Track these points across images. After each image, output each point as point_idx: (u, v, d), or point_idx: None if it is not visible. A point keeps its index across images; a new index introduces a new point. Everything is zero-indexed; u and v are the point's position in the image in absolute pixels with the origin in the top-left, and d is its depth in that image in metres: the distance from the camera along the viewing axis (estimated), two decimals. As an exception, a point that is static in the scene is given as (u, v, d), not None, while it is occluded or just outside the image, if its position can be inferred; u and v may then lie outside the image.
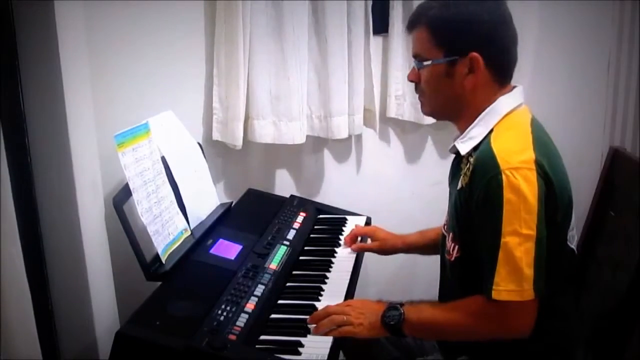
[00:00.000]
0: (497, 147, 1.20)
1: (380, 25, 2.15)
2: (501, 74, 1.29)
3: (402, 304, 1.28)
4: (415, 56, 1.34)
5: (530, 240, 1.15)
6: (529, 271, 1.15)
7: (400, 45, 2.13)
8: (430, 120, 2.18)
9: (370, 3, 2.07)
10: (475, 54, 1.25)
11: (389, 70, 2.17)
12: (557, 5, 2.25)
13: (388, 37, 2.15)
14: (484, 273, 1.19)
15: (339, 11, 1.99)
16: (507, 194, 1.14)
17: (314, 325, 1.30)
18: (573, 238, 1.31)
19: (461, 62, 1.26)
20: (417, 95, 1.40)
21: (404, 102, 2.20)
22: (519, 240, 1.14)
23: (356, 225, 1.79)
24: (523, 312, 1.17)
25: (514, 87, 1.32)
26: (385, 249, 1.71)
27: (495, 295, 1.16)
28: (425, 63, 1.30)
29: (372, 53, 2.12)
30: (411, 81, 1.37)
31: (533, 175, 1.15)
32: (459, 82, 1.28)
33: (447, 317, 1.25)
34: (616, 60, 2.37)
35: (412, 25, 1.33)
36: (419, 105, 2.12)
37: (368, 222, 1.90)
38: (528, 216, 1.14)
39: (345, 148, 2.25)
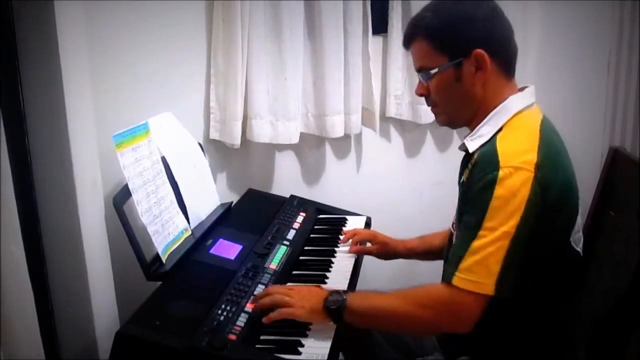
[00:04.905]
0: (501, 145, 1.20)
1: (380, 25, 2.15)
2: (506, 66, 1.29)
3: (346, 291, 1.28)
4: (419, 70, 1.33)
5: (506, 238, 1.14)
6: (495, 267, 1.14)
7: (399, 45, 2.13)
8: (428, 119, 2.19)
9: (368, 3, 2.07)
10: (479, 50, 1.25)
11: (388, 70, 2.17)
12: (558, 5, 2.25)
13: (387, 37, 2.16)
14: (450, 259, 1.19)
15: (334, 12, 2.00)
16: (499, 190, 1.14)
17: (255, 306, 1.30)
18: (579, 240, 1.29)
19: (467, 62, 1.26)
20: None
21: (403, 101, 2.20)
22: (495, 236, 1.14)
23: (355, 229, 1.77)
24: (473, 305, 1.16)
25: (525, 87, 1.32)
26: (385, 252, 1.70)
27: (455, 281, 1.15)
28: (433, 72, 1.29)
29: (371, 53, 2.12)
30: (420, 95, 1.36)
31: (530, 177, 1.15)
32: (469, 82, 1.27)
33: (390, 304, 1.25)
34: (616, 60, 2.37)
35: (409, 40, 1.33)
36: (418, 105, 2.17)
37: (368, 222, 1.90)
38: (511, 215, 1.14)
39: (345, 148, 2.25)
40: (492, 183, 1.15)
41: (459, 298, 1.16)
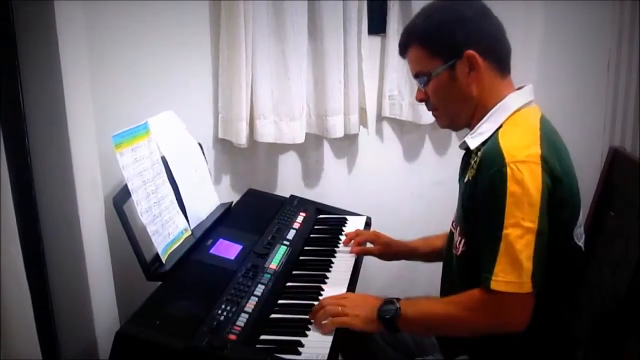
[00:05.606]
0: (504, 141, 1.21)
1: (378, 26, 2.15)
2: (500, 64, 1.31)
3: (398, 299, 1.28)
4: (416, 76, 1.36)
5: (531, 233, 1.15)
6: (527, 264, 1.15)
7: (396, 46, 2.13)
8: (428, 119, 2.19)
9: (365, 3, 2.07)
10: (470, 51, 1.27)
11: (384, 71, 2.17)
12: (560, 5, 2.25)
13: (385, 38, 2.16)
14: (483, 264, 1.19)
15: (334, 12, 2.00)
16: (511, 186, 1.15)
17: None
18: (581, 236, 1.31)
19: (460, 63, 1.28)
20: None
21: (402, 101, 2.21)
22: (520, 232, 1.15)
23: (357, 230, 1.76)
24: (520, 305, 1.17)
25: (523, 86, 1.33)
26: (388, 253, 1.70)
27: (494, 285, 1.16)
28: (429, 76, 1.32)
29: (367, 53, 2.12)
30: (420, 101, 1.39)
31: (538, 170, 1.16)
32: (464, 82, 1.29)
33: (443, 311, 1.25)
34: (616, 60, 2.37)
35: (404, 48, 1.37)
36: (418, 105, 2.17)
37: (368, 222, 1.90)
38: (530, 209, 1.15)
39: (345, 148, 2.25)
40: (503, 180, 1.16)
41: (502, 302, 1.17)
